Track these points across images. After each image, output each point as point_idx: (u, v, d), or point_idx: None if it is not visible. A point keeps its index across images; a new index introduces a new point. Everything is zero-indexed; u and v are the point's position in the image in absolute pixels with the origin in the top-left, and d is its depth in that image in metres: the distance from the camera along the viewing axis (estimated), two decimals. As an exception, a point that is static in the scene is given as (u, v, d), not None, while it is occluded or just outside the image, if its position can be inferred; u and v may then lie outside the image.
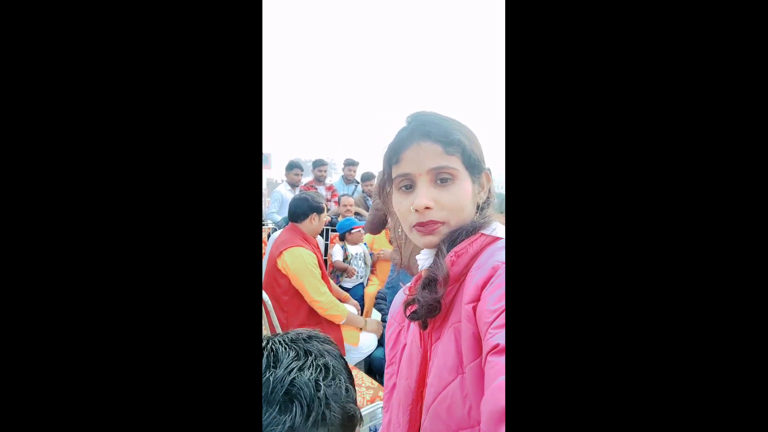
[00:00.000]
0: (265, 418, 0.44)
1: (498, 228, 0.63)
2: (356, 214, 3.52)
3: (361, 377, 1.72)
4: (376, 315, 2.50)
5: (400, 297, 0.76)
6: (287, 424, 0.43)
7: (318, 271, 1.96)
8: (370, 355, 2.15)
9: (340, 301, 2.18)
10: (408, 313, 0.62)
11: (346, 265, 2.84)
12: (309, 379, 0.46)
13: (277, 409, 0.44)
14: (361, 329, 2.09)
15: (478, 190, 0.65)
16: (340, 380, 0.50)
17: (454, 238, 0.61)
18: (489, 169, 0.68)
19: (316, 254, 2.01)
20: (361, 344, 2.06)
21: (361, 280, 2.91)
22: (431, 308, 0.59)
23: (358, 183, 4.17)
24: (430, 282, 0.59)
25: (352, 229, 2.90)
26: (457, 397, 0.55)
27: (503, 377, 0.39)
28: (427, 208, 0.60)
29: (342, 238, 2.97)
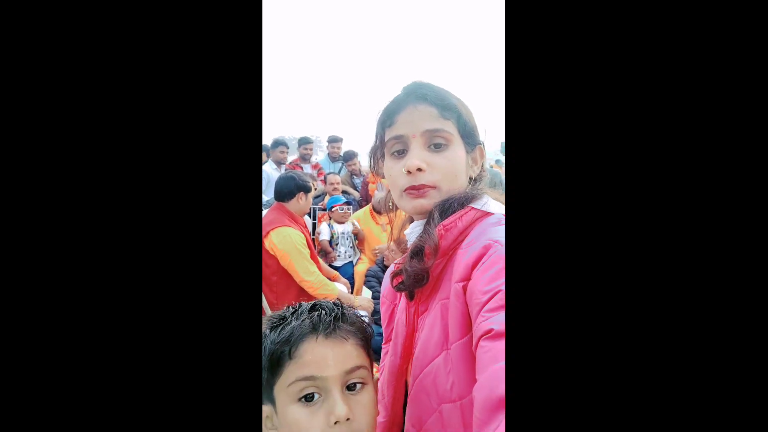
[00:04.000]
0: (294, 322, 0.54)
1: (489, 203, 0.61)
2: (343, 192, 3.48)
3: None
4: (366, 293, 2.51)
5: (390, 273, 0.75)
6: (312, 320, 0.53)
7: (307, 251, 1.94)
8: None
9: (330, 280, 2.17)
10: (395, 283, 0.61)
11: (329, 248, 2.81)
12: (328, 303, 0.57)
13: (304, 315, 0.54)
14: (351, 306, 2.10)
15: (471, 163, 0.64)
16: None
17: (446, 207, 0.59)
18: (483, 144, 0.66)
19: (304, 234, 1.98)
20: (352, 322, 2.07)
21: (350, 259, 2.91)
22: (418, 278, 0.57)
23: (344, 161, 4.11)
24: (418, 251, 0.58)
25: (333, 207, 2.87)
26: (441, 371, 0.54)
27: (499, 364, 0.38)
28: (420, 169, 0.58)
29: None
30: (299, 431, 0.52)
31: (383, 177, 0.67)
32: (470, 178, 0.63)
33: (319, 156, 4.92)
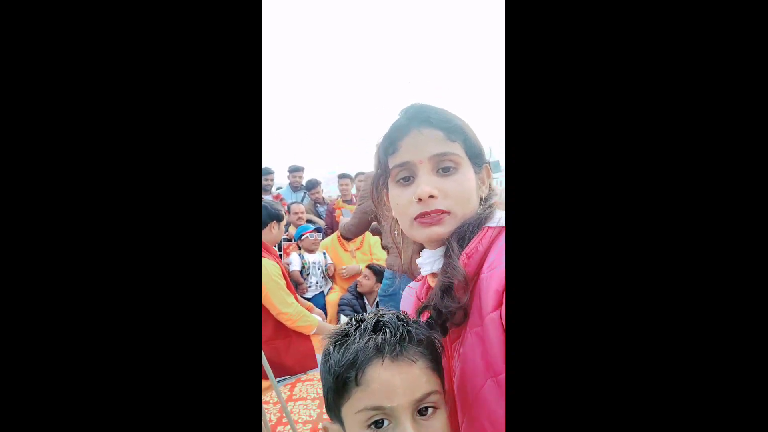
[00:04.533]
0: (358, 343, 0.50)
1: (502, 218, 0.60)
2: (308, 221, 3.42)
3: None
4: (343, 320, 2.43)
5: (408, 302, 0.71)
6: (377, 342, 0.49)
7: (283, 282, 1.86)
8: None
9: (306, 311, 2.08)
10: (424, 319, 0.58)
11: (301, 279, 2.72)
12: (393, 316, 0.53)
13: (367, 334, 0.51)
14: (331, 337, 2.02)
15: (480, 184, 0.62)
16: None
17: (463, 234, 0.56)
18: (489, 163, 0.65)
19: (278, 264, 1.90)
20: (334, 353, 1.98)
21: (321, 289, 2.82)
22: (456, 317, 0.55)
23: (306, 190, 4.05)
24: (448, 288, 0.54)
25: (302, 235, 2.80)
26: (491, 400, 0.53)
27: None
28: (432, 196, 0.56)
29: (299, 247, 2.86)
30: None
31: (384, 206, 0.65)
32: (480, 199, 0.62)
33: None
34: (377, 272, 2.61)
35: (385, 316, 0.53)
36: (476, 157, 0.61)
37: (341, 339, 0.52)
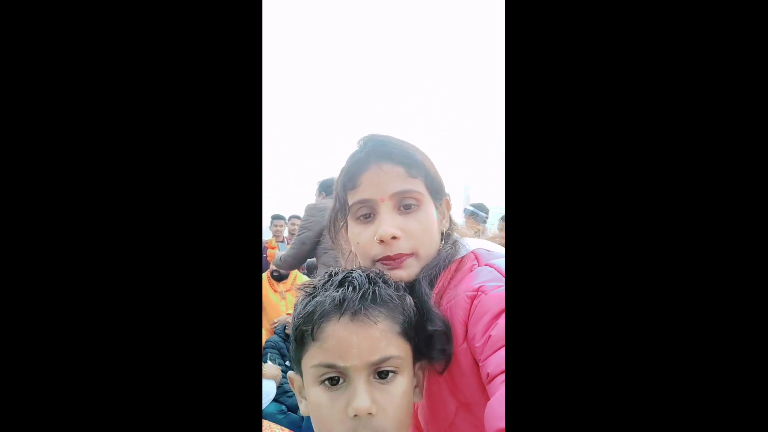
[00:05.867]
0: (320, 297, 0.48)
1: (466, 243, 0.60)
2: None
3: (268, 426, 1.52)
4: (272, 367, 2.27)
5: None
6: (338, 298, 0.47)
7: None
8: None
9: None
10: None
11: None
12: (362, 274, 0.51)
13: (332, 288, 0.49)
14: (258, 377, 1.88)
15: (440, 218, 0.60)
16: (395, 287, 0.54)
17: (432, 277, 0.55)
18: (449, 195, 0.64)
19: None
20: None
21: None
22: (441, 365, 0.52)
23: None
24: (433, 338, 0.51)
25: None
26: (466, 427, 0.53)
27: (496, 399, 0.39)
28: (394, 237, 0.54)
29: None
30: (319, 415, 0.47)
31: (343, 240, 0.64)
32: (442, 234, 0.61)
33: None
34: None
35: (354, 272, 0.51)
36: (437, 192, 0.60)
37: (309, 291, 0.52)
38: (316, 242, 1.98)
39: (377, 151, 0.56)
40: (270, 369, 1.95)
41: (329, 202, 2.21)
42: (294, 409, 2.26)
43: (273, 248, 2.67)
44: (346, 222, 0.60)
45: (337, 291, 0.48)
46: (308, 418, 1.76)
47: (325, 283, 0.51)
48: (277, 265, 2.15)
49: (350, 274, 0.51)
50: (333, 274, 0.52)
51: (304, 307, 0.49)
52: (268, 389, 1.90)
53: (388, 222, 0.54)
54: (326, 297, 0.48)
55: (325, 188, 2.11)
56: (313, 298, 0.50)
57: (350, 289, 0.48)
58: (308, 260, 2.15)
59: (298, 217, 3.69)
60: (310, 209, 2.00)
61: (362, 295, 0.48)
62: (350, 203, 0.57)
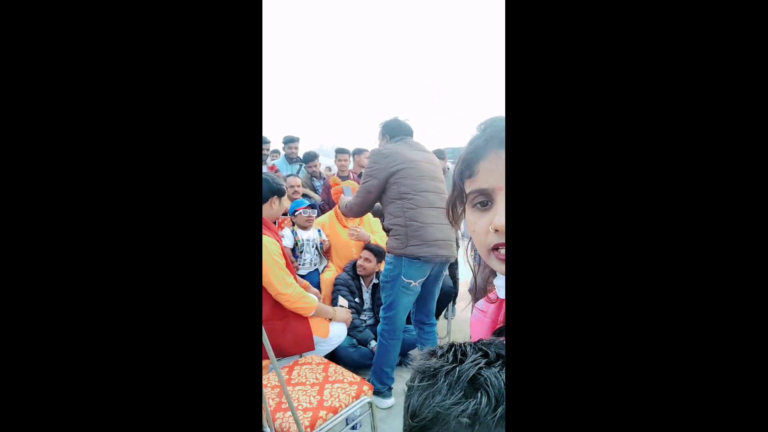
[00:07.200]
0: (443, 400, 0.38)
1: None
2: (304, 195, 3.31)
3: (341, 372, 1.61)
4: (341, 302, 2.37)
5: (481, 326, 0.64)
6: (470, 409, 0.37)
7: (282, 261, 1.78)
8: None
9: (304, 290, 2.01)
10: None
11: (291, 257, 2.56)
12: (498, 373, 0.39)
13: (461, 394, 0.38)
14: (330, 320, 1.97)
15: None
16: None
17: None
18: None
19: (278, 242, 1.82)
20: (331, 335, 1.93)
21: (315, 267, 2.75)
22: None
23: (302, 162, 3.91)
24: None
25: (296, 211, 2.69)
26: None
27: None
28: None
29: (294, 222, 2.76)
30: None
31: (460, 226, 0.63)
32: None
33: (273, 156, 4.66)
34: (378, 253, 2.54)
35: (485, 370, 0.39)
36: None
37: (428, 378, 0.41)
38: (382, 190, 1.89)
39: (496, 137, 0.54)
40: (340, 312, 2.02)
41: (393, 147, 2.08)
42: (364, 342, 2.40)
43: (336, 185, 2.63)
44: (464, 208, 0.59)
45: (467, 400, 0.38)
46: (378, 350, 1.83)
47: (448, 373, 0.40)
48: (343, 213, 2.12)
49: (483, 373, 0.39)
50: (455, 352, 0.42)
51: (423, 404, 0.40)
52: (339, 332, 1.98)
53: (488, 218, 0.53)
54: (451, 407, 0.38)
55: (389, 130, 1.96)
56: (434, 394, 0.39)
57: (485, 398, 0.38)
58: (375, 205, 2.08)
59: (365, 150, 3.60)
60: (375, 155, 1.89)
61: (496, 408, 0.37)
62: (467, 191, 0.56)
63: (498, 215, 0.52)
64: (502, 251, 0.52)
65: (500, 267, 0.54)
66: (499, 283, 0.57)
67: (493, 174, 0.53)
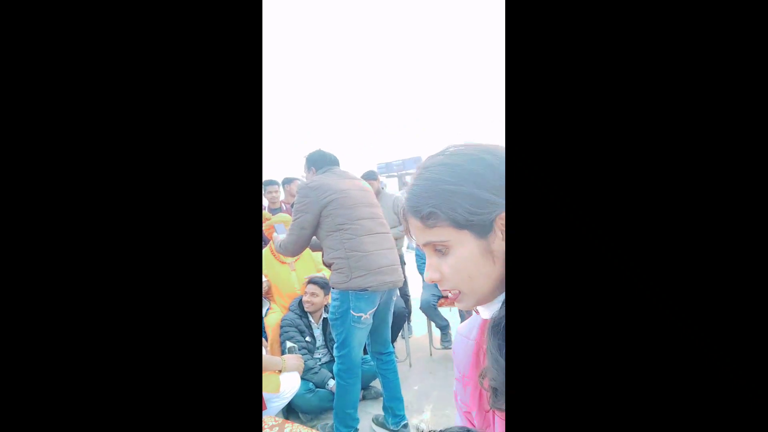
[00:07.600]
0: None
1: None
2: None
3: (298, 430, 1.46)
4: (289, 346, 2.20)
5: (464, 349, 0.63)
6: None
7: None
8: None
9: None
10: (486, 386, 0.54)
11: None
12: None
13: None
14: (279, 371, 1.81)
15: (494, 239, 0.51)
16: None
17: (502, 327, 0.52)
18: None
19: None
20: (283, 388, 1.78)
21: (258, 311, 2.56)
22: None
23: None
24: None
25: None
26: None
27: None
28: (433, 281, 0.55)
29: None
30: None
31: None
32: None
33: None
34: (324, 285, 2.42)
35: None
36: (471, 225, 0.55)
37: None
38: (316, 224, 1.79)
39: (406, 206, 0.55)
40: (290, 361, 1.87)
41: (321, 178, 1.99)
42: (322, 384, 2.24)
43: (266, 219, 2.48)
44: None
45: None
46: (338, 392, 1.70)
47: None
48: (278, 252, 1.98)
49: None
50: None
51: None
52: (292, 382, 1.83)
53: (430, 264, 0.55)
54: None
55: (313, 162, 1.88)
56: None
57: None
58: (312, 240, 1.96)
59: (295, 179, 3.44)
60: (303, 189, 1.79)
61: None
62: (424, 242, 0.57)
63: (426, 269, 0.54)
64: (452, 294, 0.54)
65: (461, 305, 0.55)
66: (482, 309, 0.57)
67: (413, 235, 0.53)
